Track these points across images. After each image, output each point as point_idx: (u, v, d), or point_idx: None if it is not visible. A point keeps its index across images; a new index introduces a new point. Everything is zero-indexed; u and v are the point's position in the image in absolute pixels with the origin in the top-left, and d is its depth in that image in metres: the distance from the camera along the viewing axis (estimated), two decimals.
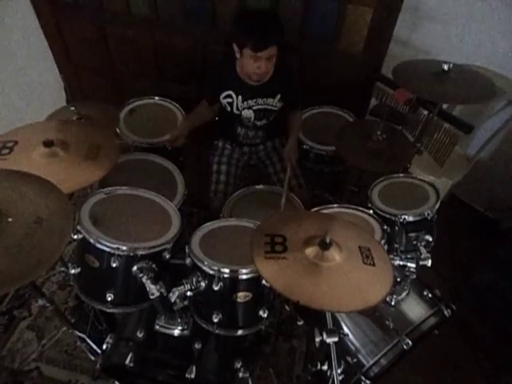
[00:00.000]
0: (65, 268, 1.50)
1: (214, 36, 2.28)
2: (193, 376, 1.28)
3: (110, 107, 1.86)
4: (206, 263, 1.25)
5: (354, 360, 1.34)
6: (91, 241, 1.23)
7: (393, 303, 1.41)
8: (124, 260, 1.25)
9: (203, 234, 1.41)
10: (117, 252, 1.23)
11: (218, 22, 2.24)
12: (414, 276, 1.35)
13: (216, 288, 1.24)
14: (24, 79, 2.47)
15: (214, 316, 1.29)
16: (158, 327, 1.38)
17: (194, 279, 1.25)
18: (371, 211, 1.60)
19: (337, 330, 1.13)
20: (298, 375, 1.84)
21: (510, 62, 1.96)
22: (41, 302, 1.35)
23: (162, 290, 1.20)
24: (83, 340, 1.67)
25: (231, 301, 1.29)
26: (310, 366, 1.36)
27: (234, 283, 1.27)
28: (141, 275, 1.22)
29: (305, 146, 2.01)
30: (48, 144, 1.31)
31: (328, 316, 1.18)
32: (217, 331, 1.33)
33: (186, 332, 1.38)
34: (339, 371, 1.20)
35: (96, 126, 1.59)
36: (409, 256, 1.36)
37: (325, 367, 1.31)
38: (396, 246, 1.55)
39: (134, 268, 1.25)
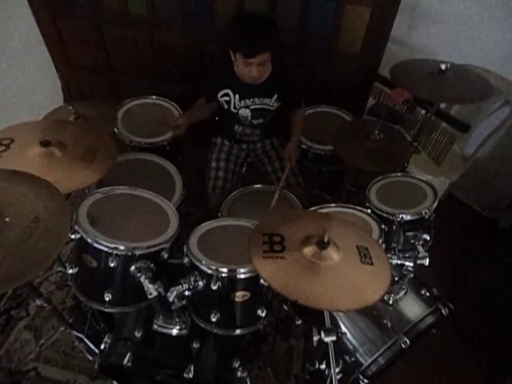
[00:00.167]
0: (62, 268, 1.50)
1: (211, 36, 2.27)
2: (191, 375, 1.28)
3: (108, 107, 1.85)
4: (204, 263, 1.25)
5: (352, 359, 1.34)
6: (89, 240, 1.23)
7: (390, 302, 1.41)
8: (122, 260, 1.25)
9: (201, 234, 1.41)
10: (114, 252, 1.23)
11: (216, 23, 2.24)
12: (412, 275, 1.36)
13: (214, 287, 1.24)
14: (21, 79, 2.46)
15: (212, 315, 1.29)
16: (156, 327, 1.38)
17: (192, 279, 1.25)
18: (369, 210, 1.60)
19: (335, 329, 1.13)
20: (296, 374, 1.84)
21: (507, 62, 1.96)
22: (38, 302, 1.35)
23: (160, 290, 1.20)
24: (81, 340, 1.66)
25: (229, 300, 1.29)
26: (308, 365, 1.37)
27: (232, 283, 1.27)
28: (139, 275, 1.22)
29: (303, 146, 2.01)
30: (45, 144, 1.31)
31: (326, 315, 1.18)
32: (215, 331, 1.33)
33: (184, 331, 1.38)
34: (337, 370, 1.20)
35: (94, 128, 1.59)
36: (406, 255, 1.36)
37: (323, 366, 1.31)
38: (394, 245, 1.55)
39: (132, 268, 1.25)
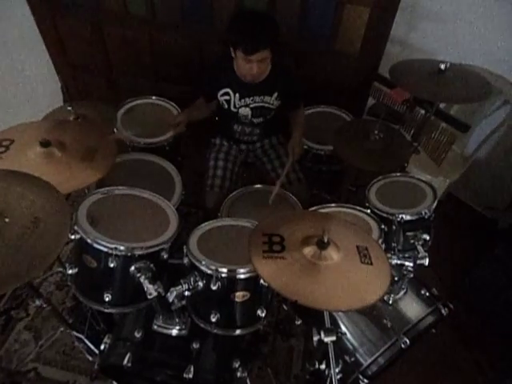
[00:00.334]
0: (62, 268, 1.50)
1: (211, 36, 2.27)
2: (191, 376, 1.28)
3: (107, 107, 1.85)
4: (203, 263, 1.24)
5: (352, 359, 1.34)
6: (88, 241, 1.23)
7: (390, 302, 1.41)
8: (121, 260, 1.25)
9: (201, 234, 1.41)
10: (114, 252, 1.22)
11: (216, 22, 2.24)
12: (412, 275, 1.36)
13: (214, 288, 1.24)
14: (21, 79, 2.46)
15: (211, 316, 1.29)
16: (155, 327, 1.38)
17: (192, 279, 1.25)
18: (369, 210, 1.60)
19: (335, 329, 1.13)
20: (296, 374, 1.84)
21: (507, 62, 1.96)
22: (38, 302, 1.35)
23: (160, 290, 1.20)
24: (81, 340, 1.66)
25: (229, 300, 1.29)
26: (308, 365, 1.37)
27: (231, 283, 1.27)
28: (138, 275, 1.22)
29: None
30: (45, 144, 1.31)
31: (326, 315, 1.18)
32: (215, 331, 1.33)
33: (183, 332, 1.38)
34: (337, 370, 1.20)
35: (93, 128, 1.58)
36: (406, 255, 1.36)
37: (323, 366, 1.31)
38: (393, 245, 1.55)
39: (132, 268, 1.25)
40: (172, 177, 1.74)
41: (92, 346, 1.66)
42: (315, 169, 2.08)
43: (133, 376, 1.43)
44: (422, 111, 1.94)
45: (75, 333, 1.64)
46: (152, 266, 1.28)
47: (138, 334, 1.37)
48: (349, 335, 1.38)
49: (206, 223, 1.47)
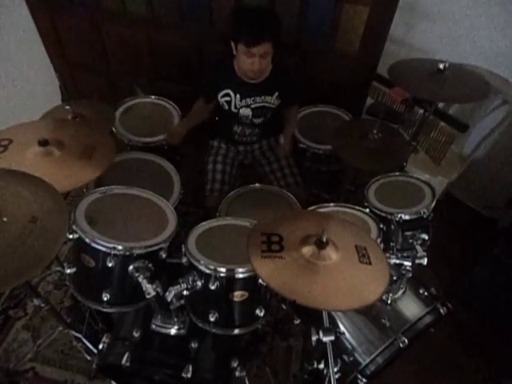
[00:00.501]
0: (60, 268, 1.50)
1: (210, 35, 2.27)
2: (189, 375, 1.28)
3: (106, 106, 1.85)
4: (202, 262, 1.24)
5: (351, 358, 1.34)
6: (87, 240, 1.23)
7: (389, 302, 1.42)
8: (120, 259, 1.25)
9: (199, 233, 1.41)
10: (113, 251, 1.22)
11: (215, 22, 2.24)
12: (410, 274, 1.36)
13: (212, 287, 1.24)
14: (19, 78, 2.45)
15: (210, 315, 1.29)
16: (154, 327, 1.38)
17: (191, 278, 1.25)
18: (367, 210, 1.60)
19: (333, 328, 1.13)
20: (294, 374, 1.84)
21: (505, 61, 1.97)
22: (36, 301, 1.35)
23: (159, 290, 1.20)
24: (79, 340, 1.66)
25: (228, 300, 1.29)
26: (307, 365, 1.36)
27: (230, 282, 1.27)
28: (137, 275, 1.22)
29: (301, 145, 2.01)
30: (43, 143, 1.30)
31: (324, 315, 1.18)
32: (213, 330, 1.33)
33: (182, 331, 1.38)
34: (336, 370, 1.21)
35: (91, 126, 1.58)
36: (405, 254, 1.36)
37: (321, 366, 1.31)
38: (392, 244, 1.55)
39: (130, 267, 1.25)
40: (170, 176, 1.73)
41: (90, 346, 1.66)
42: (314, 168, 2.08)
43: (131, 375, 1.43)
44: (421, 111, 1.93)
45: (73, 332, 1.64)
46: (150, 265, 1.28)
47: (136, 334, 1.37)
48: (347, 335, 1.38)
49: (205, 223, 1.47)
